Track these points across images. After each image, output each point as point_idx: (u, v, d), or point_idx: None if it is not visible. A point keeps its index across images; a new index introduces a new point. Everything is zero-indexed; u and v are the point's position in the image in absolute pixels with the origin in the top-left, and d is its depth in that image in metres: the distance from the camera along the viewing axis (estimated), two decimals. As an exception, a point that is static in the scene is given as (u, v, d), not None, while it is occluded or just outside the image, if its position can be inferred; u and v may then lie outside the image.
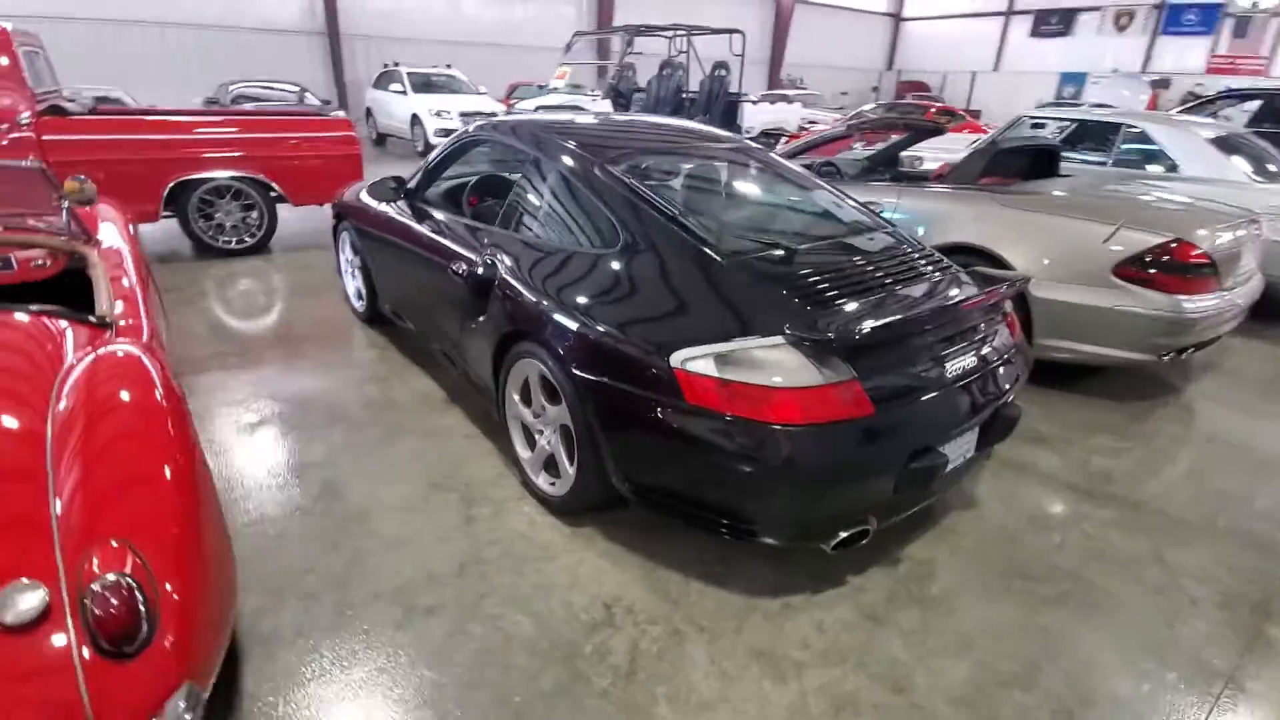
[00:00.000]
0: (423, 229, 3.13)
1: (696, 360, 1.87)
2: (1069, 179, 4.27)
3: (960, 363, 2.08)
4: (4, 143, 4.57)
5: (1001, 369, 2.24)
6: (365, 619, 1.97)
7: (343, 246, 4.25)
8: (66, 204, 2.52)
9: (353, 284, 4.26)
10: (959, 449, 2.12)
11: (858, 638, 1.96)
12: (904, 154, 5.22)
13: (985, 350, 2.20)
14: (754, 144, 3.16)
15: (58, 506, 1.34)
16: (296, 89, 12.66)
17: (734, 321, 1.96)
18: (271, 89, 12.36)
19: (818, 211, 2.84)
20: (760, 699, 1.76)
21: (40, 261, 2.50)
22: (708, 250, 2.15)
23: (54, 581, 1.23)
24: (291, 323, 4.33)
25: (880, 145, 5.33)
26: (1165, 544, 2.41)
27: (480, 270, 2.59)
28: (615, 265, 2.22)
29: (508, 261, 2.51)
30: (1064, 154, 4.80)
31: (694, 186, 2.78)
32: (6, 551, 1.27)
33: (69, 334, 1.91)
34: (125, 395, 1.66)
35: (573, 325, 2.13)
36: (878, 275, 2.24)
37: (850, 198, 2.86)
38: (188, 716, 1.19)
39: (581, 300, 2.17)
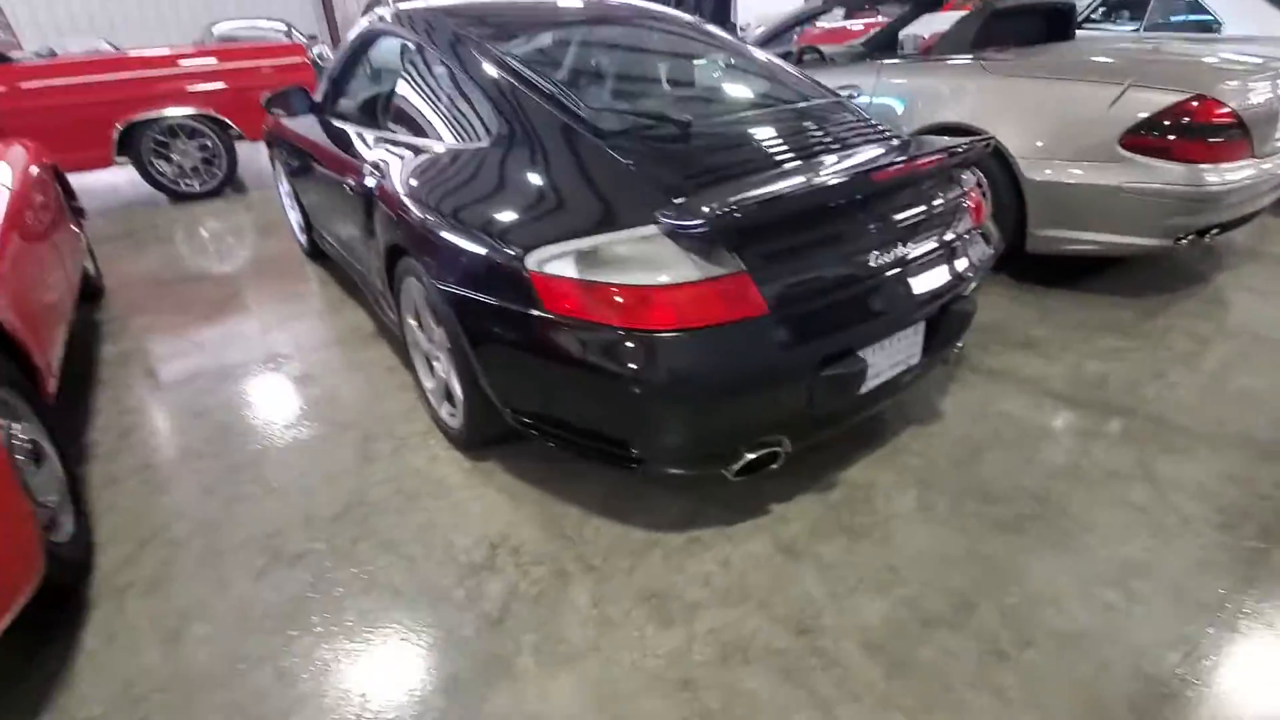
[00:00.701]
0: (325, 143, 2.84)
1: (555, 260, 1.56)
2: (1080, 43, 3.68)
3: (888, 249, 1.72)
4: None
5: (950, 257, 1.88)
6: (226, 568, 1.81)
7: (279, 176, 3.98)
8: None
9: (294, 216, 4.01)
10: (894, 354, 1.80)
11: (767, 575, 1.71)
12: (905, 34, 4.62)
13: (925, 234, 1.83)
14: (689, 18, 2.71)
15: None
16: (284, 26, 12.20)
17: (605, 212, 1.64)
18: (257, 28, 11.93)
19: (743, 86, 2.44)
20: (639, 646, 1.53)
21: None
22: (583, 130, 1.80)
23: None
24: (238, 264, 4.14)
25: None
26: (1157, 455, 2.06)
27: (366, 181, 2.31)
28: (488, 160, 1.89)
29: (388, 168, 2.21)
30: (1089, 21, 4.16)
31: (598, 67, 2.40)
32: None
33: None
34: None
35: (438, 233, 1.84)
36: (791, 150, 1.87)
37: (796, 74, 2.43)
38: None
39: (449, 204, 1.87)
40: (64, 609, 1.70)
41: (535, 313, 1.59)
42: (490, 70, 2.01)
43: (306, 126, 3.13)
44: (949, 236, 1.90)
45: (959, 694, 1.40)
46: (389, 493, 2.06)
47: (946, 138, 2.02)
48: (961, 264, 1.91)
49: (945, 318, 1.87)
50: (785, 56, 4.14)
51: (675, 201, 1.57)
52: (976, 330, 2.85)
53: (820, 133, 2.00)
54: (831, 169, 1.75)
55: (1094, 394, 2.38)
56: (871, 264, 1.68)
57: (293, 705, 1.44)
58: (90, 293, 3.57)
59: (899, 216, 1.79)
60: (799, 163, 1.81)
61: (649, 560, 1.77)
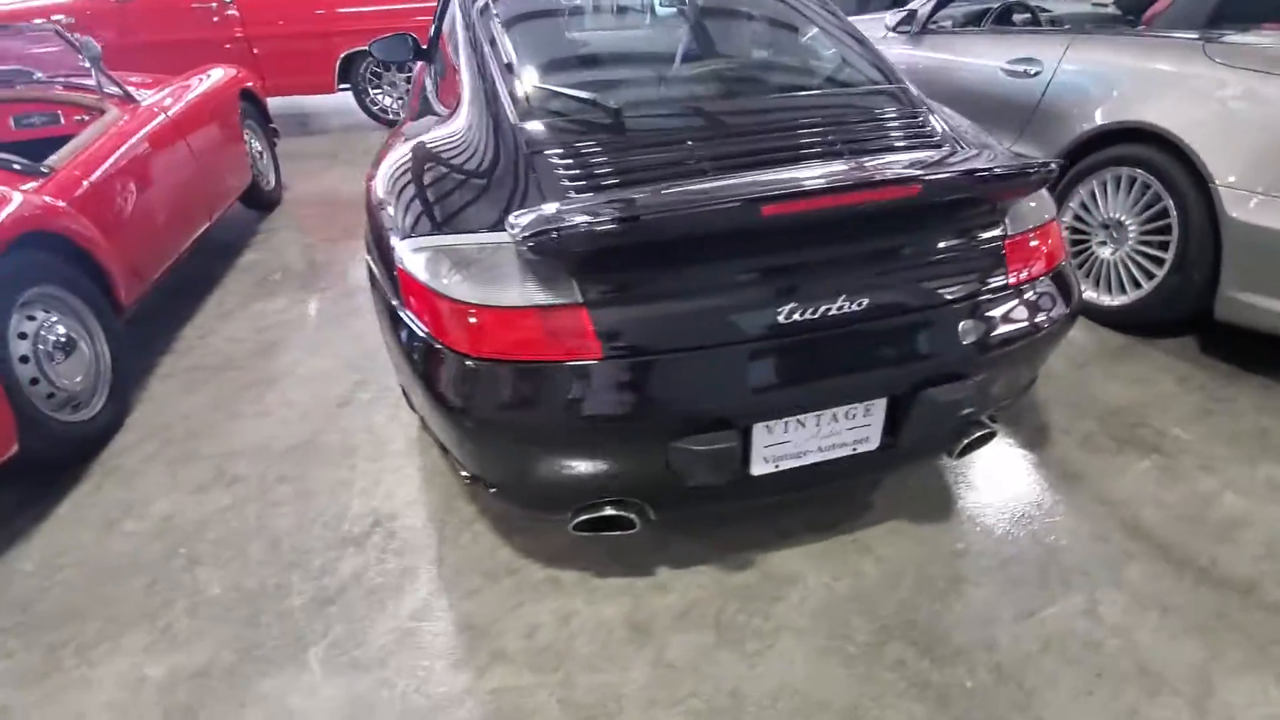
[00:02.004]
0: None
1: (415, 253, 1.41)
2: None
3: (816, 303, 1.30)
4: (216, 19, 5.39)
5: (946, 318, 1.38)
6: (181, 475, 2.05)
7: None
8: (94, 66, 2.82)
9: None
10: (827, 435, 1.40)
11: (596, 648, 1.48)
12: None
13: (897, 286, 1.37)
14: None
15: None
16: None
17: (483, 208, 1.45)
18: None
19: (771, 64, 2.01)
20: (420, 678, 1.43)
21: (82, 117, 2.87)
22: (509, 112, 1.59)
23: None
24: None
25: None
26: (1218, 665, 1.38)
27: None
28: (432, 133, 1.77)
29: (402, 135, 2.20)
30: None
31: (610, 38, 2.08)
32: None
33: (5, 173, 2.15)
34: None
35: (373, 201, 1.79)
36: (748, 155, 1.48)
37: (862, 50, 1.90)
38: None
39: (397, 177, 1.79)
40: (65, 475, 2.06)
41: (393, 301, 1.49)
42: (464, 42, 1.86)
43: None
44: (950, 292, 1.39)
45: None
46: (336, 440, 2.15)
47: (1001, 158, 1.46)
48: (971, 330, 1.39)
49: (924, 405, 1.39)
50: (983, 16, 3.36)
51: (552, 206, 1.33)
52: (1088, 404, 2.14)
53: (821, 133, 1.56)
54: (761, 189, 1.33)
55: (1206, 547, 1.66)
56: (780, 320, 1.29)
57: (129, 609, 1.60)
58: (266, 203, 4.19)
59: (848, 259, 1.34)
60: (740, 173, 1.42)
61: (496, 588, 1.64)
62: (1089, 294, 2.58)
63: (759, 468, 1.40)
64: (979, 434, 1.57)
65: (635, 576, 1.65)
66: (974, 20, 3.48)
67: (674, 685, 1.40)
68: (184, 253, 2.96)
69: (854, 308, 1.32)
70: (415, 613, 1.58)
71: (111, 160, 2.51)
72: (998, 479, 1.89)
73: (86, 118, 2.86)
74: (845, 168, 1.39)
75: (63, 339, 2.08)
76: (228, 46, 5.44)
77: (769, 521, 1.76)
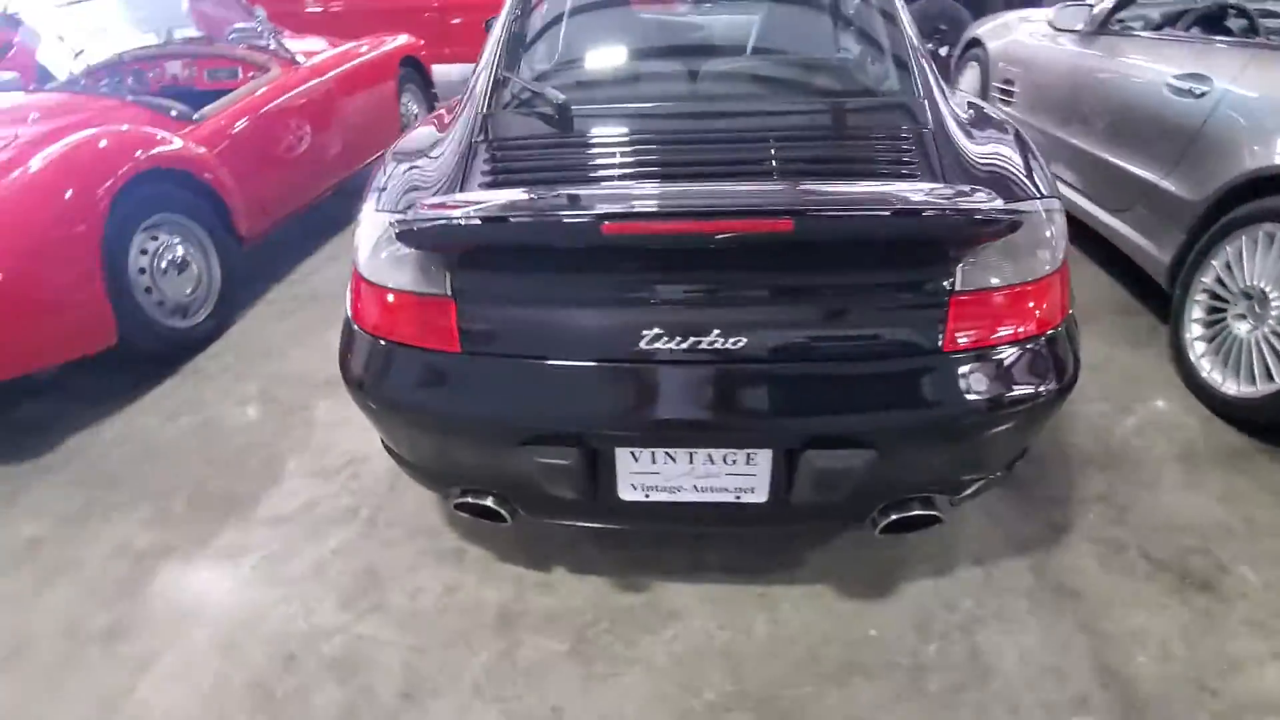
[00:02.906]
0: None
1: (359, 224, 1.52)
2: None
3: (688, 334, 1.20)
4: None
5: (841, 375, 1.21)
6: (235, 389, 2.42)
7: None
8: (264, 27, 3.32)
9: None
10: (705, 475, 1.30)
11: (459, 626, 1.53)
12: None
13: (795, 327, 1.23)
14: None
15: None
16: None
17: (422, 192, 1.50)
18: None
19: (787, 58, 1.82)
20: (308, 606, 1.59)
21: (255, 74, 3.40)
22: (481, 97, 1.63)
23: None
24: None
25: None
26: None
27: None
28: (447, 117, 1.87)
29: None
30: None
31: (638, 28, 1.99)
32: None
33: (161, 119, 2.65)
34: (84, 163, 2.24)
35: None
36: (688, 160, 1.38)
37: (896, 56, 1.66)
38: None
39: (388, 156, 1.91)
40: (164, 369, 2.53)
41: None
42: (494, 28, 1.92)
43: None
44: (857, 347, 1.21)
45: None
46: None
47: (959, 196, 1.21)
48: (880, 395, 1.21)
49: (807, 468, 1.23)
50: (1180, 17, 2.74)
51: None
52: (1144, 510, 1.74)
53: (781, 150, 1.40)
54: (622, 204, 1.22)
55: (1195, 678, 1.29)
56: (641, 346, 1.21)
57: (149, 487, 1.95)
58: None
59: (730, 293, 1.22)
60: (662, 183, 1.33)
61: (409, 545, 1.75)
62: (1213, 375, 2.06)
63: (628, 494, 1.35)
64: (910, 515, 1.36)
65: (531, 569, 1.67)
66: (1173, 21, 2.84)
67: (507, 682, 1.42)
68: (318, 198, 3.42)
69: (729, 346, 1.20)
70: (337, 548, 1.75)
71: (256, 113, 2.97)
72: (966, 567, 1.62)
73: (255, 74, 3.40)
74: (761, 191, 1.25)
75: (179, 259, 2.53)
76: (426, 15, 6.07)
77: (687, 550, 1.68)
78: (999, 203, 1.17)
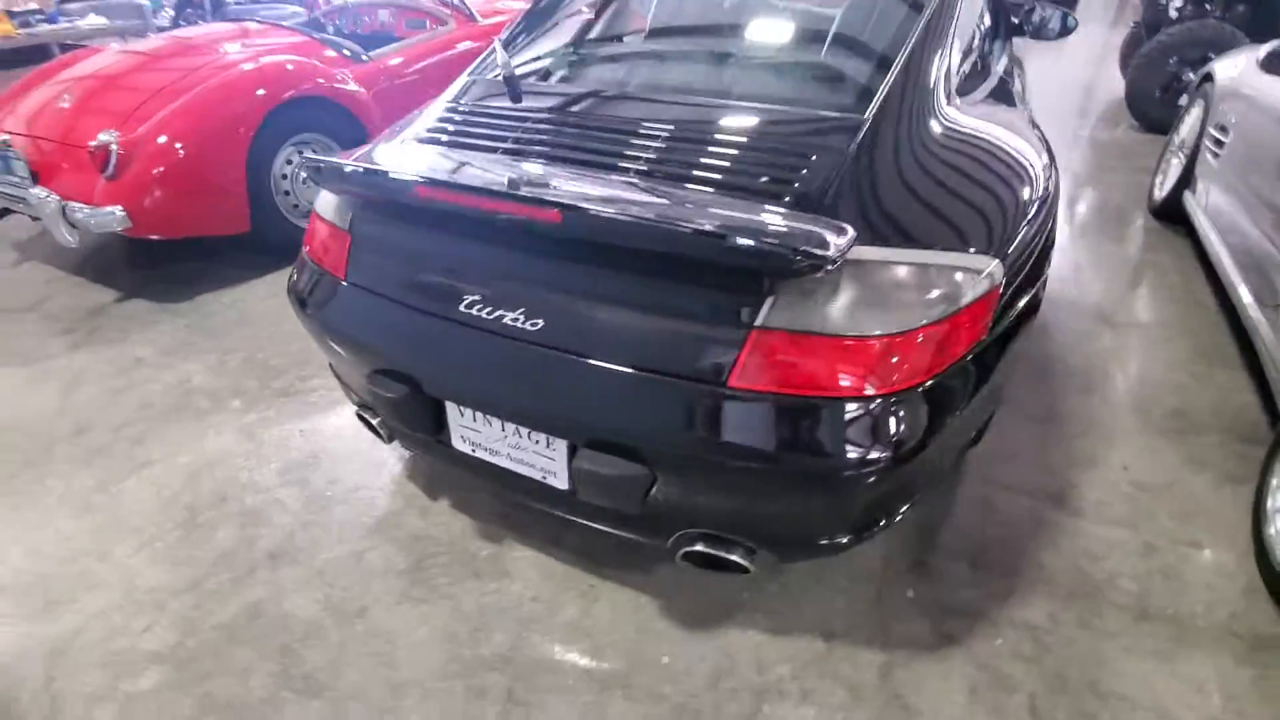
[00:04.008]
0: None
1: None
2: None
3: (498, 306, 1.25)
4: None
5: (622, 381, 1.18)
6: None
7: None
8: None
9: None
10: (510, 443, 1.36)
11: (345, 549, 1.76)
12: None
13: (589, 323, 1.22)
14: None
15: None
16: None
17: (390, 137, 1.71)
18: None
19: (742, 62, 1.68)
20: (268, 528, 1.94)
21: (437, 27, 3.87)
22: (480, 64, 1.77)
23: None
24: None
25: None
26: None
27: None
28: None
29: None
30: None
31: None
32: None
33: (333, 55, 3.19)
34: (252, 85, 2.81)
35: None
36: (594, 147, 1.39)
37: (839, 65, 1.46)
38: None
39: None
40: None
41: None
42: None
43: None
44: (642, 358, 1.17)
45: None
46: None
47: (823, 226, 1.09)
48: (655, 413, 1.16)
49: (582, 465, 1.23)
50: None
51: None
52: (1085, 673, 1.43)
53: (683, 150, 1.35)
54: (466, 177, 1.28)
55: None
56: (460, 309, 1.28)
57: (223, 346, 2.46)
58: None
59: (544, 276, 1.24)
60: (554, 164, 1.37)
61: (338, 444, 2.02)
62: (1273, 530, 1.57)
63: (459, 444, 1.45)
64: (705, 553, 1.29)
65: (425, 493, 1.84)
66: None
67: (344, 574, 1.62)
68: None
69: (528, 326, 1.23)
70: (306, 430, 2.08)
71: (415, 61, 3.43)
72: (811, 638, 1.46)
73: (435, 27, 3.87)
74: (615, 186, 1.24)
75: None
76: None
77: (553, 526, 1.72)
78: (830, 241, 1.05)
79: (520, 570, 1.64)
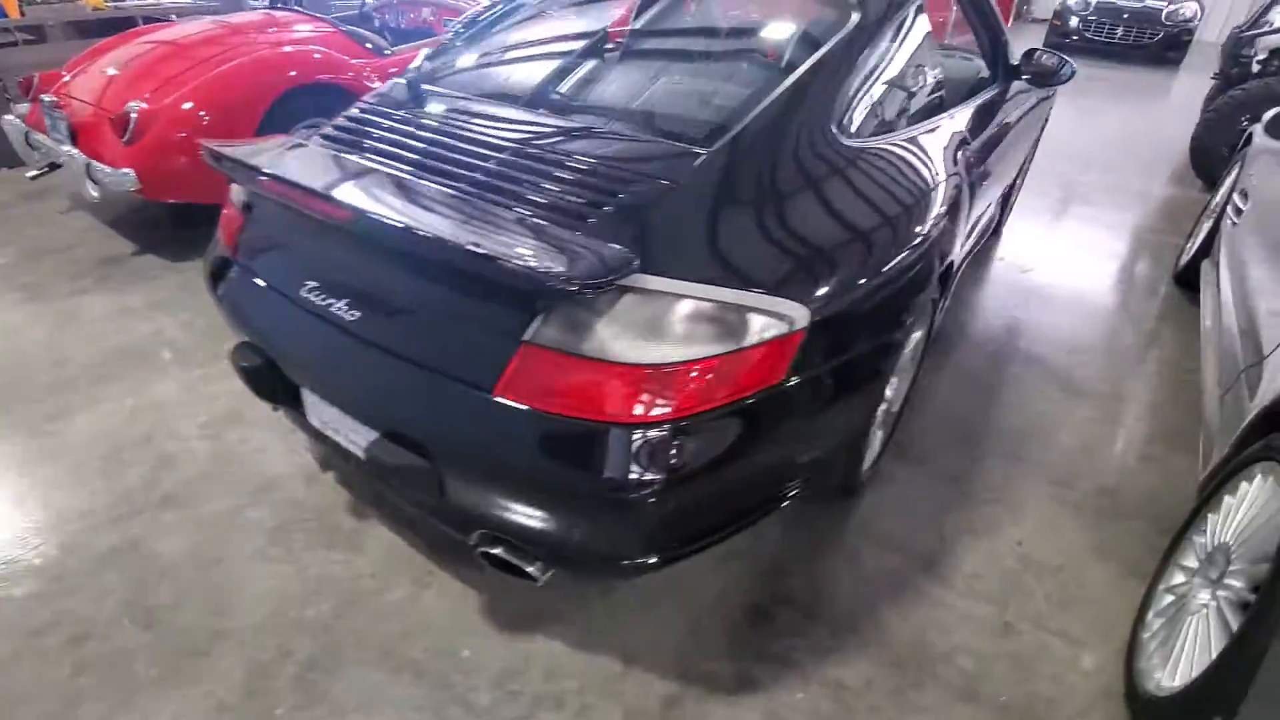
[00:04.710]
0: None
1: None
2: None
3: (329, 294, 1.33)
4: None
5: (409, 376, 1.23)
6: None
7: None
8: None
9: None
10: (343, 425, 1.44)
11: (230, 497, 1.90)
12: None
13: (394, 319, 1.29)
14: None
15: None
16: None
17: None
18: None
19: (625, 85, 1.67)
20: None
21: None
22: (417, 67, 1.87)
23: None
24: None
25: None
26: None
27: None
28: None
29: None
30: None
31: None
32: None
33: (358, 48, 3.40)
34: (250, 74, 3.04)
35: None
36: (453, 158, 1.45)
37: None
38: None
39: None
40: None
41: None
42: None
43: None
44: (425, 356, 1.22)
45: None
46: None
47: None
48: (432, 411, 1.21)
49: (372, 452, 1.30)
50: None
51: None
52: None
53: (522, 167, 1.39)
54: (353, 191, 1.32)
55: None
56: (300, 293, 1.37)
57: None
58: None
59: (370, 272, 1.30)
60: (412, 171, 1.43)
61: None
62: (1149, 656, 1.44)
63: (315, 420, 1.54)
64: (493, 553, 1.32)
65: (311, 469, 1.95)
66: None
67: (222, 529, 1.75)
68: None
69: (347, 316, 1.31)
70: (239, 442, 2.24)
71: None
72: (618, 662, 1.46)
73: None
74: (432, 194, 1.30)
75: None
76: None
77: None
78: (597, 267, 1.07)
79: (372, 548, 1.72)
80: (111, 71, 3.05)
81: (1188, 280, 3.11)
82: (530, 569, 1.32)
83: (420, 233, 1.12)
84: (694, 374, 1.14)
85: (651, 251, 1.20)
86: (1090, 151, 5.45)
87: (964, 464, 2.07)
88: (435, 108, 1.65)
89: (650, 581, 1.63)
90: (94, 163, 2.79)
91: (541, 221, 1.22)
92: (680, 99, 1.59)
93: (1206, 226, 3.14)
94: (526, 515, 1.26)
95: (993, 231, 3.49)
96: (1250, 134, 2.88)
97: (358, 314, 1.31)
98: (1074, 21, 9.43)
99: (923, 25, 1.90)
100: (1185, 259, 3.19)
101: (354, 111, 1.72)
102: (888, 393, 1.81)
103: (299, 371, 1.45)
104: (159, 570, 1.65)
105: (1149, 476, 2.07)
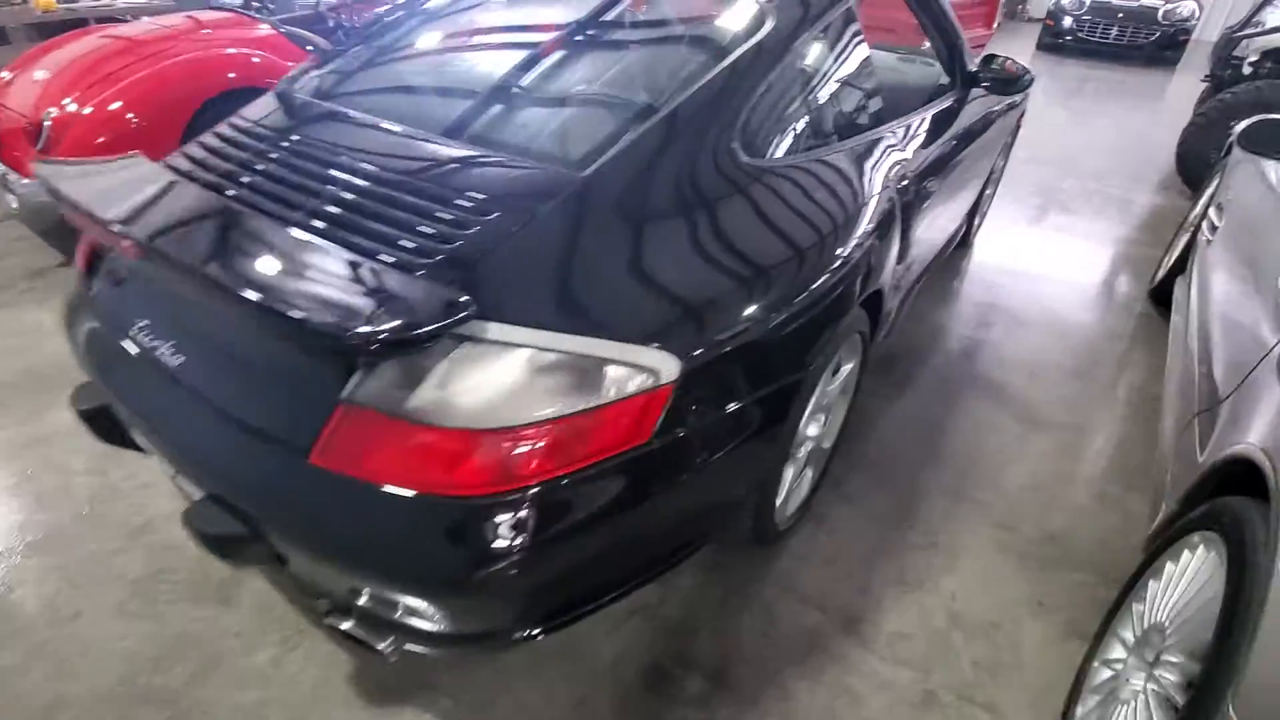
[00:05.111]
0: None
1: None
2: None
3: (155, 335, 1.20)
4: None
5: (231, 433, 1.09)
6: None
7: None
8: None
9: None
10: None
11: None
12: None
13: (212, 368, 1.15)
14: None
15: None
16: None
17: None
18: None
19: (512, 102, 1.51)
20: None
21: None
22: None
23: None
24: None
25: None
26: None
27: None
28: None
29: None
30: None
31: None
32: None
33: (299, 51, 3.26)
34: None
35: None
36: (294, 181, 1.30)
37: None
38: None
39: None
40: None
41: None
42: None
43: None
44: (240, 410, 1.09)
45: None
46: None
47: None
48: (267, 481, 1.07)
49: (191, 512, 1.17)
50: None
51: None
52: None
53: (365, 195, 1.23)
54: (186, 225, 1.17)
55: None
56: (132, 331, 1.24)
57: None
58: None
59: (196, 316, 1.17)
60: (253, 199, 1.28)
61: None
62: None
63: (164, 470, 1.41)
64: (339, 626, 1.18)
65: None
66: None
67: (79, 575, 1.62)
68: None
69: (171, 361, 1.17)
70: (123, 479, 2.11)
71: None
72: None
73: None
74: (249, 232, 1.15)
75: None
76: None
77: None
78: (414, 318, 0.93)
79: (243, 601, 1.58)
80: (40, 76, 2.92)
81: (1163, 297, 2.95)
82: (380, 645, 1.18)
83: (207, 275, 0.98)
84: (537, 438, 1.00)
85: (497, 294, 1.06)
86: (1076, 155, 5.28)
87: (902, 503, 1.92)
88: (297, 126, 1.49)
89: (544, 642, 1.50)
90: (10, 173, 2.66)
91: (375, 262, 1.07)
92: (563, 116, 1.44)
93: (1184, 240, 2.98)
94: (370, 594, 1.12)
95: (961, 243, 3.33)
96: (1232, 143, 2.72)
97: (182, 358, 1.17)
98: (1067, 21, 9.22)
99: (853, 30, 1.75)
100: (1161, 274, 3.03)
101: (222, 127, 1.58)
102: (811, 431, 1.67)
103: (131, 417, 1.31)
104: (12, 627, 1.52)
105: (1102, 519, 1.92)
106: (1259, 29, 4.89)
